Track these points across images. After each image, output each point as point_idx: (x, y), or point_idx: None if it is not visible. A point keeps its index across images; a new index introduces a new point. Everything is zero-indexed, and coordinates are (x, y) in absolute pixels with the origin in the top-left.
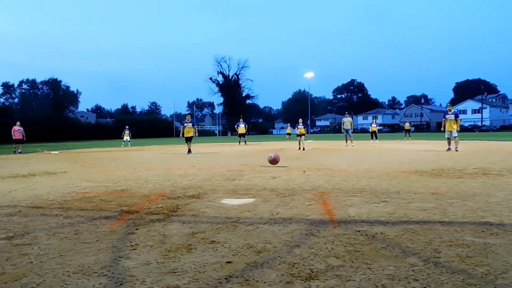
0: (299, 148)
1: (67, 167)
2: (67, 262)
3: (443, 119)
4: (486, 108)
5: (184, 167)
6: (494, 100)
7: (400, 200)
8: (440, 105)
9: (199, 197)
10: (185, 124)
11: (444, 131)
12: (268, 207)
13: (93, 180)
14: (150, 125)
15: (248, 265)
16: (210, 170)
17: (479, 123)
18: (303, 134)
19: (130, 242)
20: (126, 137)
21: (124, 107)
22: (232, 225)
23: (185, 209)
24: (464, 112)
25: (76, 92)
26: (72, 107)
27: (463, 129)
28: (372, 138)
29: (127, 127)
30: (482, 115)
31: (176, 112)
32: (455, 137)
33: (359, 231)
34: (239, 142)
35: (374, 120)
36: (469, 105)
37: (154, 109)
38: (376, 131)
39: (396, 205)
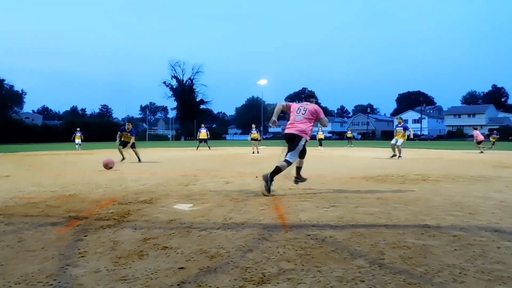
0: (253, 153)
1: (10, 170)
2: (9, 271)
3: (395, 130)
4: (424, 118)
5: (136, 172)
6: (431, 111)
7: (349, 204)
8: (384, 114)
9: (152, 202)
10: (124, 133)
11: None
12: (222, 212)
13: (39, 185)
14: (101, 128)
15: (201, 271)
16: (163, 174)
17: (419, 132)
18: (257, 139)
19: (79, 249)
20: (78, 140)
21: (74, 109)
22: (185, 230)
23: (137, 215)
24: (406, 121)
25: (21, 92)
26: (16, 108)
27: None
28: (320, 145)
29: (78, 129)
30: (421, 125)
31: (128, 115)
32: (398, 145)
33: (309, 235)
34: (197, 147)
35: (320, 128)
36: (410, 115)
37: (105, 112)
38: (323, 138)
39: (345, 210)
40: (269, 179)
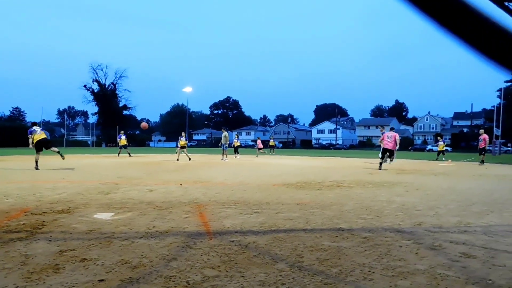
0: (177, 160)
1: None
2: None
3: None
4: (339, 129)
5: (52, 180)
6: (345, 122)
7: (270, 210)
8: (304, 124)
9: (69, 212)
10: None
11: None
12: (145, 221)
13: None
14: (13, 133)
15: (123, 282)
16: (82, 183)
17: (334, 142)
18: (185, 147)
19: None
20: None
21: None
22: (106, 240)
23: (53, 226)
24: (322, 132)
25: None
26: None
27: (322, 147)
28: (235, 153)
29: None
30: (336, 135)
31: (44, 119)
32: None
33: (233, 241)
34: (118, 153)
35: (236, 136)
36: (326, 125)
37: (17, 115)
38: (239, 146)
39: (267, 216)
40: (381, 163)
